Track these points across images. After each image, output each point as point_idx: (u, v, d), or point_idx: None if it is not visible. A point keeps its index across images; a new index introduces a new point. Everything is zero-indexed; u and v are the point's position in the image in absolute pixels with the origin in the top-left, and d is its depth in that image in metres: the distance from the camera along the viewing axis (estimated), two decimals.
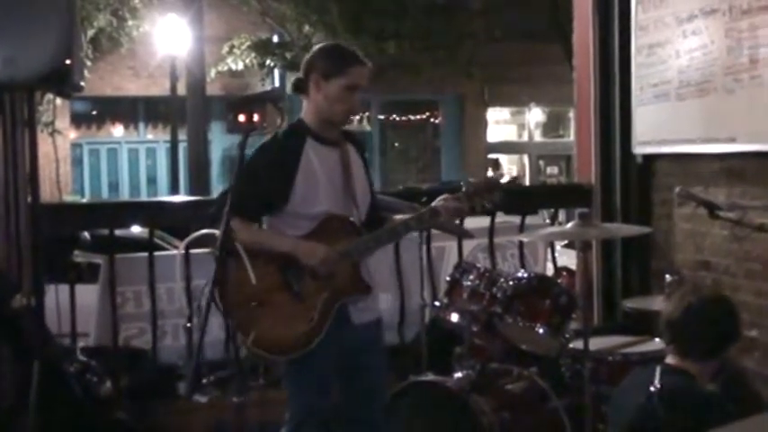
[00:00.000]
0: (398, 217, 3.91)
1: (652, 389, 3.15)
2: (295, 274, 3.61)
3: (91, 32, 18.97)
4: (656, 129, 5.81)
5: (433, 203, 3.81)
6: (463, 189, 3.82)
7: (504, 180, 4.02)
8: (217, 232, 3.34)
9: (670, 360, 3.28)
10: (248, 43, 20.95)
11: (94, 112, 24.28)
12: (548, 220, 7.67)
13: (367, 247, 3.74)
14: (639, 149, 5.99)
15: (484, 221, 6.26)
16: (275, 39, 21.46)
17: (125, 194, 23.91)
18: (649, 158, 6.01)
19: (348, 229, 3.72)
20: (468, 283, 4.36)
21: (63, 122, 21.20)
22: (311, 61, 3.76)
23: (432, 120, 27.03)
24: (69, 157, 22.70)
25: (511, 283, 4.26)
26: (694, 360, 3.24)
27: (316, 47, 3.88)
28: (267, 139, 3.75)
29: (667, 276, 4.45)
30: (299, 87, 3.76)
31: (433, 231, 5.68)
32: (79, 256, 6.67)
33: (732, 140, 5.17)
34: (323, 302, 3.62)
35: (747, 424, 2.36)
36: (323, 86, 3.68)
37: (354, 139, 3.95)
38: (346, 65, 3.69)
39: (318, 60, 3.74)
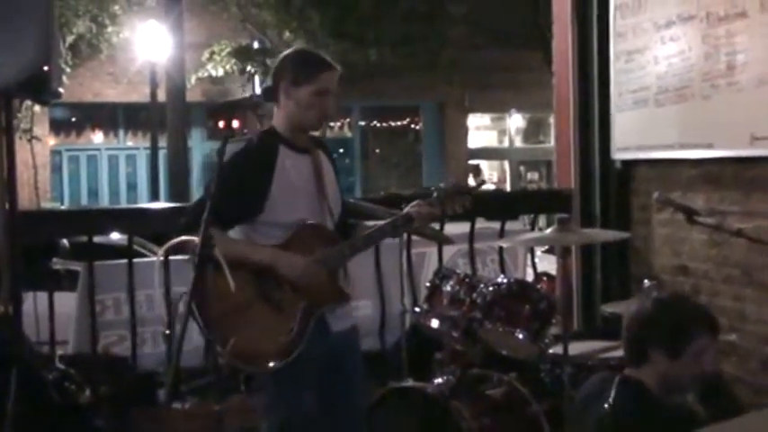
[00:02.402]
0: (371, 223, 3.90)
1: (606, 405, 3.07)
2: (273, 284, 3.57)
3: (70, 39, 18.94)
4: (634, 134, 5.84)
5: (407, 209, 3.80)
6: (435, 194, 3.83)
7: (476, 185, 4.02)
8: (196, 239, 3.32)
9: (627, 371, 3.19)
10: (228, 49, 20.93)
11: (74, 119, 24.18)
12: (528, 226, 7.68)
13: (344, 255, 3.72)
14: (618, 155, 6.02)
15: (464, 227, 6.27)
16: (255, 45, 21.45)
17: (105, 201, 23.82)
18: (628, 164, 6.04)
19: (324, 237, 3.70)
20: (449, 288, 4.36)
21: (42, 129, 21.13)
22: (280, 68, 3.74)
23: (413, 126, 27.08)
24: (48, 164, 22.61)
25: (491, 288, 4.27)
26: (638, 367, 3.14)
27: (283, 54, 3.86)
28: (240, 148, 3.72)
29: (646, 281, 4.46)
30: (269, 95, 3.74)
31: (414, 237, 5.69)
32: (58, 264, 6.63)
33: (710, 146, 5.20)
34: (302, 312, 3.59)
35: (745, 421, 2.35)
36: (293, 93, 3.65)
37: (323, 145, 3.94)
38: (315, 70, 3.67)
39: (287, 67, 3.71)
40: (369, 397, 4.08)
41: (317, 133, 4.04)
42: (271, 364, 3.58)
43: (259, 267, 3.55)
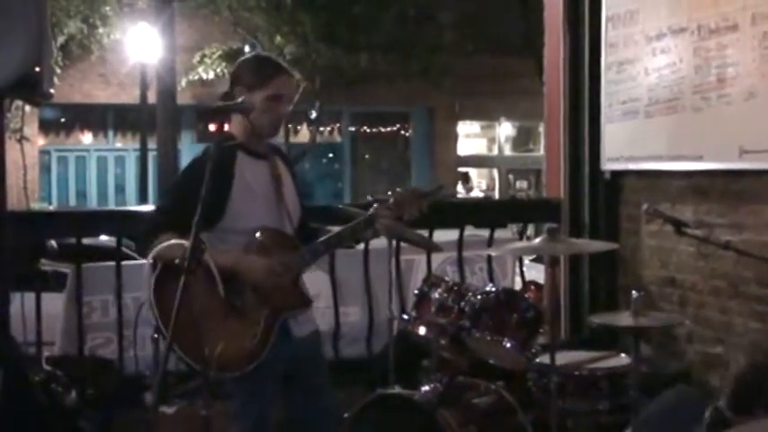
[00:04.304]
0: (332, 228, 3.91)
1: None
2: (236, 289, 3.56)
3: (61, 39, 18.89)
4: (624, 145, 5.85)
5: (368, 213, 3.81)
6: (391, 199, 3.84)
7: (433, 190, 4.02)
8: (185, 242, 3.30)
9: (721, 404, 3.17)
10: (219, 53, 20.93)
11: (63, 120, 24.11)
12: (516, 235, 7.69)
13: (305, 260, 3.74)
14: (608, 166, 6.03)
15: (453, 235, 6.28)
16: (247, 49, 21.41)
17: (93, 203, 23.75)
18: (617, 175, 6.05)
19: (284, 243, 3.71)
20: (437, 296, 4.36)
21: (31, 129, 21.04)
22: (235, 74, 3.76)
23: (402, 132, 27.09)
24: (37, 165, 22.51)
25: (479, 297, 4.27)
26: (736, 414, 3.10)
27: (240, 59, 3.87)
28: (198, 155, 3.72)
29: (634, 292, 4.47)
30: (227, 101, 3.73)
31: (402, 244, 5.69)
32: (45, 265, 6.61)
33: (699, 158, 5.22)
34: (265, 318, 3.60)
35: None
36: (247, 98, 3.63)
37: (280, 151, 3.97)
38: (268, 75, 3.68)
39: (241, 73, 3.74)
40: (337, 402, 4.06)
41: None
42: (235, 371, 3.57)
43: (221, 272, 3.52)
